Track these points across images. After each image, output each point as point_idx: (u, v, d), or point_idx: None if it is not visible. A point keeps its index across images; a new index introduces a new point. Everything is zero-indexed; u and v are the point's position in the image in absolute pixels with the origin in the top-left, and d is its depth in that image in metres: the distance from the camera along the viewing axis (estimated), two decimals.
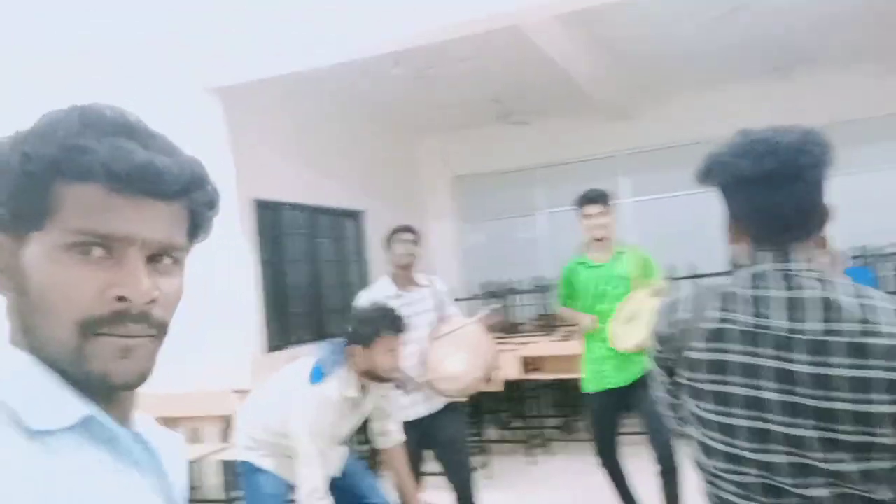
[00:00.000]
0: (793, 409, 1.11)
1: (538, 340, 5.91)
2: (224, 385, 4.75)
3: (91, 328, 0.63)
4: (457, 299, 7.03)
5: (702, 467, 1.26)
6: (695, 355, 1.20)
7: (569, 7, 4.84)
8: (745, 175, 1.15)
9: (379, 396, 2.80)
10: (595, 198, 3.52)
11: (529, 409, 6.05)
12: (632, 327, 3.33)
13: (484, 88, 7.04)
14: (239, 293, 5.71)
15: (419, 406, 3.30)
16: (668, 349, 1.27)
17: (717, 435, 1.19)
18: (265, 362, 5.95)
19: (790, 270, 1.14)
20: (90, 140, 0.63)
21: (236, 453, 2.78)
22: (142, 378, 0.67)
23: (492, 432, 6.14)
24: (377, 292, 3.36)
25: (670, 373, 1.30)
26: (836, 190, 1.20)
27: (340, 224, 7.89)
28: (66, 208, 0.62)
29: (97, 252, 0.63)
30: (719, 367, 1.17)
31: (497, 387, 5.35)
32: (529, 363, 5.58)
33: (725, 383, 1.16)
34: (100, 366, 0.64)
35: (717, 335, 1.17)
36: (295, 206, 7.05)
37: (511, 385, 5.65)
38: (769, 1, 5.25)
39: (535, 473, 5.17)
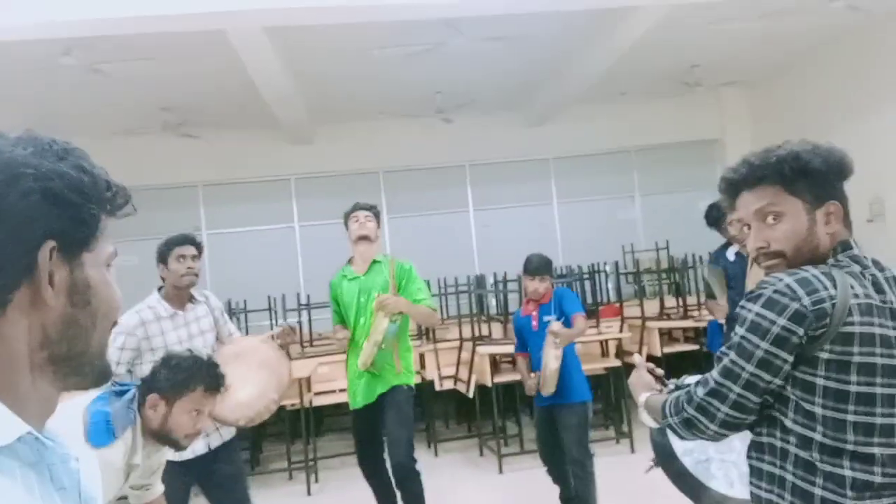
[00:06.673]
0: None
1: None
2: None
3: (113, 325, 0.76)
4: None
5: (820, 448, 1.35)
6: (849, 329, 1.32)
7: (281, 21, 4.83)
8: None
9: (153, 450, 2.20)
10: None
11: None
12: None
13: (157, 92, 6.52)
14: None
15: (198, 442, 2.62)
16: (812, 326, 1.33)
17: (853, 407, 1.32)
18: None
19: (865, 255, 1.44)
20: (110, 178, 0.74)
21: None
22: None
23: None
24: (146, 312, 2.83)
25: (794, 351, 1.35)
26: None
27: None
28: (104, 234, 0.74)
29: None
30: (869, 340, 1.32)
31: None
32: None
33: (873, 355, 1.32)
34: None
35: (867, 309, 1.33)
36: None
37: None
38: (442, 50, 5.90)
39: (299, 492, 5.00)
